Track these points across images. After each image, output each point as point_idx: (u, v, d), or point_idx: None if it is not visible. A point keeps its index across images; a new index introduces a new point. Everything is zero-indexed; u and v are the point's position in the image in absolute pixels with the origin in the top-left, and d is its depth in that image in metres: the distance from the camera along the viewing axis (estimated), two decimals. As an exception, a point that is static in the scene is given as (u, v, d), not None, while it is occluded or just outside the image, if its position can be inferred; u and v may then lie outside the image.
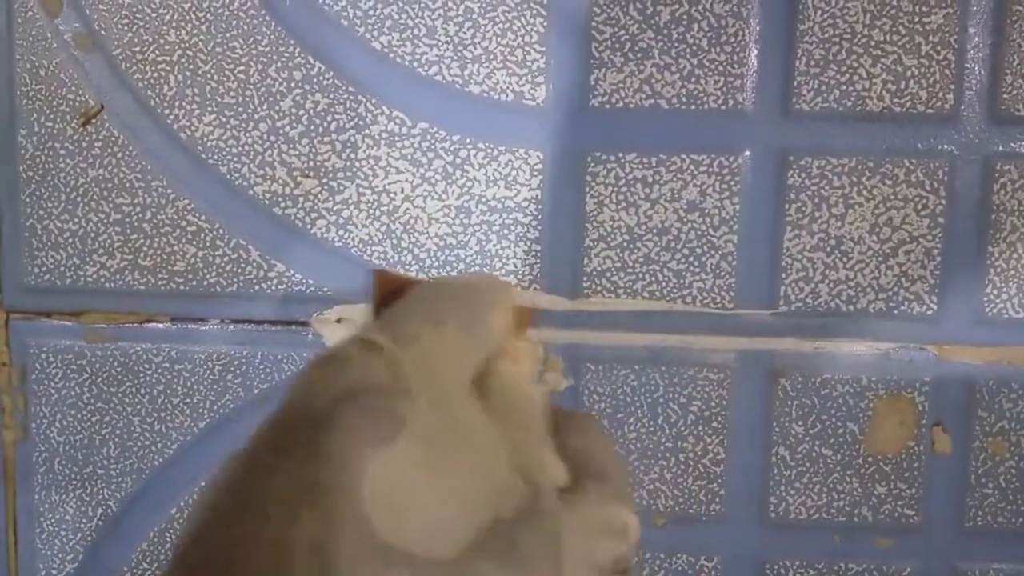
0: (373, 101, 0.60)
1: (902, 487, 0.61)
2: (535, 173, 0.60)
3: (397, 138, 0.60)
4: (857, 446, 0.61)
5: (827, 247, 0.60)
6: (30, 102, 0.62)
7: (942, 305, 0.60)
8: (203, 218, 0.62)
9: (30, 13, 0.61)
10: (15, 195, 0.62)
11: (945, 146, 0.58)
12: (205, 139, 0.61)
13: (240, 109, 0.61)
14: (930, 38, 0.58)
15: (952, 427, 0.61)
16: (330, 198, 0.61)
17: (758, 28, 0.58)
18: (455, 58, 0.60)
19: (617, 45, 0.59)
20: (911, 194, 0.59)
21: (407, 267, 0.61)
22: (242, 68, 0.60)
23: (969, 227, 0.59)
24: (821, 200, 0.59)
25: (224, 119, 0.61)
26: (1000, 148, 0.58)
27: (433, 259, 0.61)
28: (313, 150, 0.61)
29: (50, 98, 0.62)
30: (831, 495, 0.62)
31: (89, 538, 0.64)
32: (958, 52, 0.58)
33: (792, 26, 0.58)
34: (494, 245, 0.61)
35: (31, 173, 0.62)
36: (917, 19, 0.58)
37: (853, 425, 0.61)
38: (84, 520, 0.64)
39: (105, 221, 0.62)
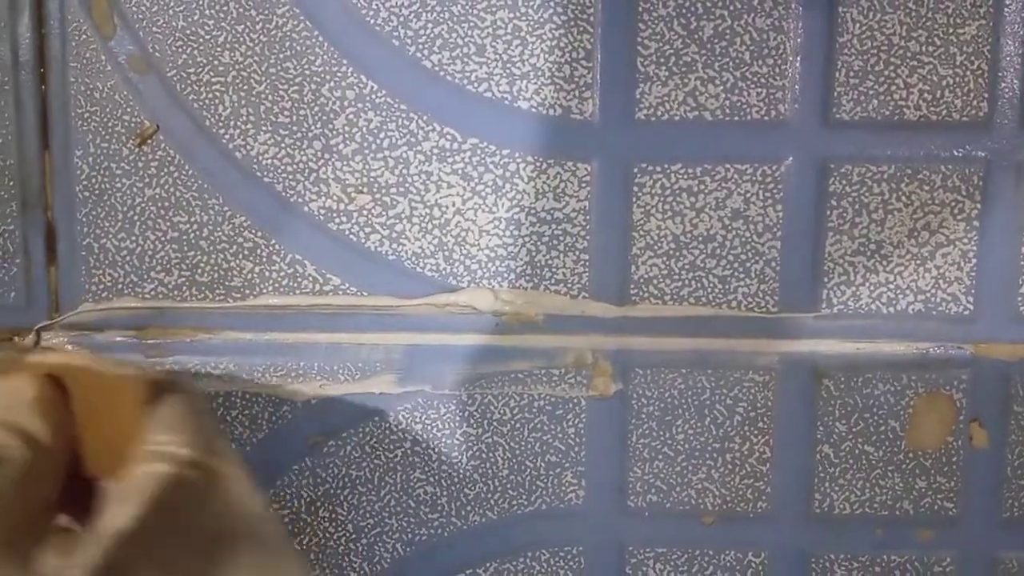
0: (424, 118, 0.62)
1: (941, 481, 0.64)
2: (583, 185, 0.62)
3: (448, 153, 0.62)
4: (898, 442, 0.63)
5: (867, 251, 0.62)
6: (85, 124, 0.63)
7: (978, 305, 0.62)
8: (259, 234, 0.63)
9: (84, 36, 0.62)
10: (72, 215, 0.64)
11: (979, 152, 0.61)
12: (260, 157, 0.62)
13: (295, 128, 0.62)
14: (964, 49, 0.60)
15: (989, 422, 0.63)
16: (383, 213, 0.63)
17: (799, 41, 0.60)
18: (504, 75, 0.61)
19: (662, 59, 0.61)
20: (947, 199, 0.61)
21: (459, 279, 0.63)
22: (296, 88, 0.62)
23: (1003, 230, 0.61)
24: (861, 206, 0.61)
25: (279, 138, 0.62)
26: (1032, 153, 0.61)
27: (484, 270, 0.63)
28: (366, 166, 0.62)
29: (105, 119, 0.63)
30: (873, 490, 0.64)
31: (150, 548, 0.66)
32: (991, 62, 0.60)
33: (832, 39, 0.60)
34: (544, 255, 0.63)
35: (87, 193, 0.63)
36: (951, 31, 0.60)
37: (894, 422, 0.63)
38: (145, 531, 0.66)
39: (162, 239, 0.63)
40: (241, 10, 0.62)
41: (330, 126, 0.62)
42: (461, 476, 0.65)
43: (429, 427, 0.64)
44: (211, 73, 0.62)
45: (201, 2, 0.62)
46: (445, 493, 0.65)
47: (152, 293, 0.64)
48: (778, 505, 0.64)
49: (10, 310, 0.65)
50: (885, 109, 0.61)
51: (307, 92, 0.62)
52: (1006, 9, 0.59)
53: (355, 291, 0.63)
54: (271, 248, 0.63)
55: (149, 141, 0.63)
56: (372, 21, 0.61)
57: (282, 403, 0.64)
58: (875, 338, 0.62)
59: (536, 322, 0.63)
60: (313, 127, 0.62)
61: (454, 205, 0.62)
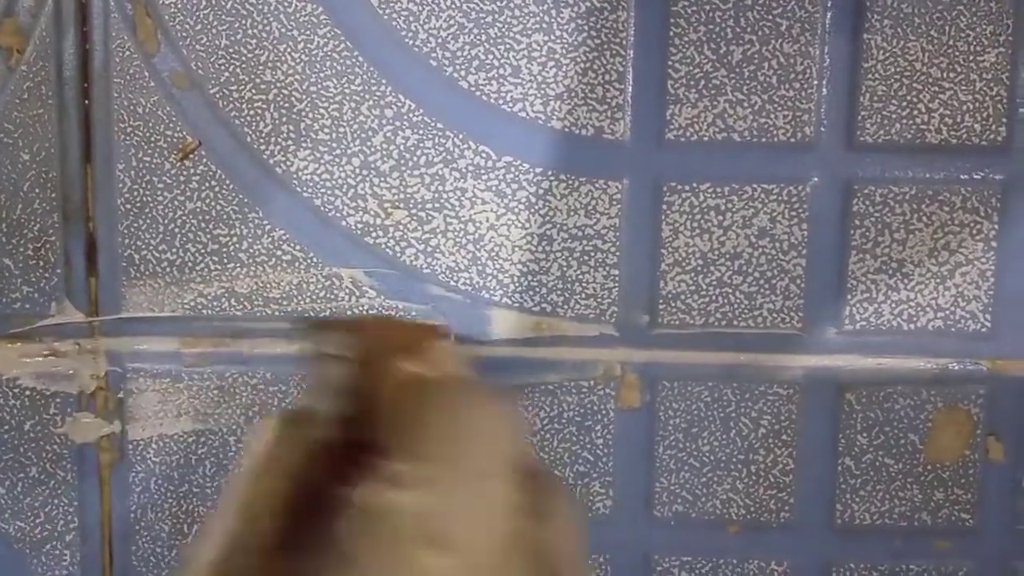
0: (460, 136, 0.64)
1: (958, 493, 0.66)
2: (614, 203, 0.64)
3: (483, 171, 0.64)
4: (917, 455, 0.65)
5: (889, 269, 0.64)
6: (128, 138, 0.65)
7: (995, 323, 0.64)
8: (297, 248, 0.65)
9: (128, 53, 0.64)
10: (113, 227, 0.65)
11: (997, 175, 0.63)
12: (300, 173, 0.64)
13: (334, 145, 0.64)
14: (983, 75, 0.62)
15: (1005, 436, 0.65)
16: (419, 228, 0.64)
17: (824, 66, 0.62)
18: (538, 95, 0.63)
19: (692, 82, 0.63)
20: (967, 220, 0.63)
21: (492, 293, 0.65)
22: (336, 106, 0.64)
23: (1020, 250, 0.63)
24: (884, 226, 0.63)
25: (318, 154, 0.64)
26: (1049, 176, 0.63)
27: (516, 284, 0.64)
28: (403, 183, 0.64)
29: (148, 134, 0.64)
30: (893, 501, 0.66)
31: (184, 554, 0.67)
32: (1009, 88, 0.62)
33: (856, 64, 0.62)
34: (575, 271, 0.64)
35: (129, 206, 0.65)
36: (972, 58, 0.62)
37: (913, 436, 0.65)
38: (179, 537, 0.67)
39: (202, 251, 0.65)
40: (284, 30, 0.63)
41: (368, 143, 0.64)
42: (491, 485, 0.66)
43: (460, 437, 0.66)
44: (253, 90, 0.64)
45: (244, 22, 0.63)
46: (475, 502, 0.66)
47: (192, 304, 0.65)
48: (801, 515, 0.66)
49: (50, 319, 0.66)
50: (907, 132, 0.63)
51: (346, 110, 0.64)
52: (1024, 37, 0.62)
53: (391, 303, 0.65)
54: (309, 261, 0.65)
55: (191, 156, 0.65)
56: (411, 42, 0.63)
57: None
58: (896, 354, 0.64)
59: (566, 336, 0.65)
60: (352, 144, 0.64)
61: (488, 221, 0.64)
